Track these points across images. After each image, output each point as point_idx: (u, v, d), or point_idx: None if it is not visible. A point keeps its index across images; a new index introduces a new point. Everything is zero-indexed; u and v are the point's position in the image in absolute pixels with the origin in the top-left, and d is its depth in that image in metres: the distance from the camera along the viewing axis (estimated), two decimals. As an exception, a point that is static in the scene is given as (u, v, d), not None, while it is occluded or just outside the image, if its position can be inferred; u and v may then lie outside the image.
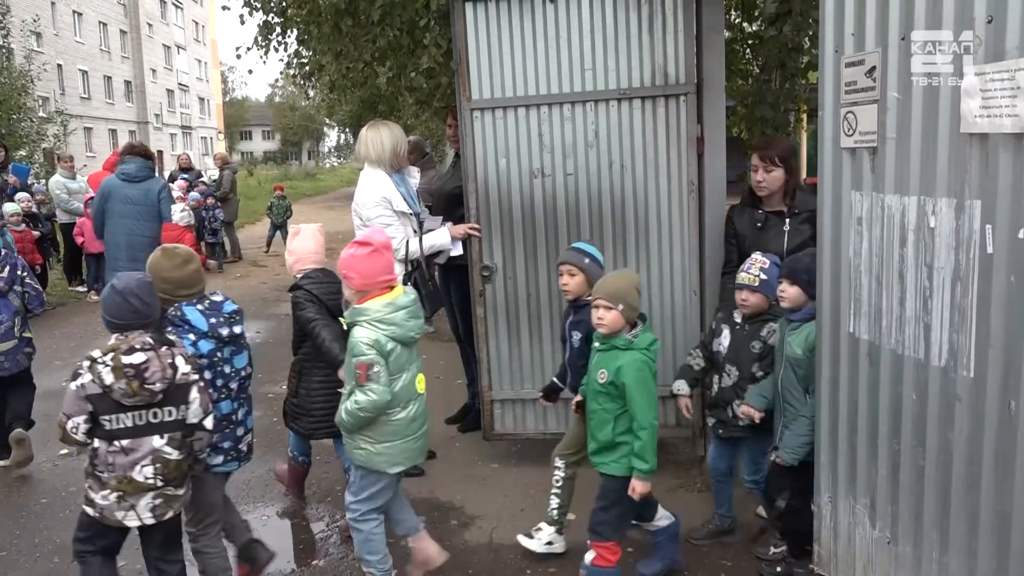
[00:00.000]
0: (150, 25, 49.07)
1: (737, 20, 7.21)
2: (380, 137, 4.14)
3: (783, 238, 3.60)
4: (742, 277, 3.33)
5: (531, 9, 4.02)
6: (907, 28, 2.46)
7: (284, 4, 7.72)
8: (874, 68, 2.60)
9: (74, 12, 39.69)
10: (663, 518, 3.28)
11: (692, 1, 3.92)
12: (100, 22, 42.97)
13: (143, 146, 6.89)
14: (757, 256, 3.36)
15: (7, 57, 19.61)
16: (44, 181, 13.23)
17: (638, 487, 2.97)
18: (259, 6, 7.93)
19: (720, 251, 4.00)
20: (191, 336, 2.94)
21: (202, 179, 14.38)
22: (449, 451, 4.76)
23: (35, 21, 24.44)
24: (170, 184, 10.83)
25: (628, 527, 3.19)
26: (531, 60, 4.07)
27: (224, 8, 9.09)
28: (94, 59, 41.62)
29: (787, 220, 3.62)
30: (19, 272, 4.78)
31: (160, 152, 47.80)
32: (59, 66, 36.58)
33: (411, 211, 4.19)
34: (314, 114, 59.46)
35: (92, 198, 10.00)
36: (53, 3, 37.03)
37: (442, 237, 4.25)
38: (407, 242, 4.16)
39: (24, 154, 17.84)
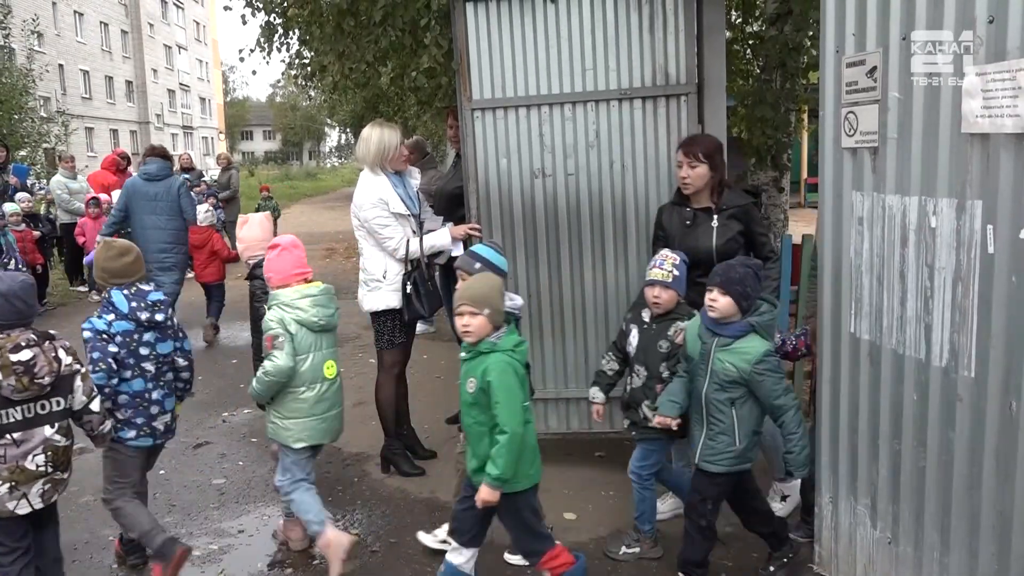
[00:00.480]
0: (151, 25, 49.09)
1: (738, 20, 7.22)
2: (369, 136, 4.16)
3: (712, 235, 3.58)
4: (655, 273, 3.28)
5: (532, 9, 4.02)
6: (908, 28, 2.46)
7: (286, 4, 7.73)
8: (875, 68, 2.60)
9: (75, 12, 39.71)
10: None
11: (693, 1, 3.92)
12: (101, 22, 43.00)
13: (163, 148, 7.59)
14: (667, 252, 3.34)
15: (8, 57, 19.62)
16: (45, 181, 13.24)
17: (483, 494, 2.73)
18: (261, 6, 7.94)
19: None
20: (111, 316, 3.25)
21: (204, 179, 14.39)
22: (450, 451, 4.74)
23: (34, 20, 24.41)
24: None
25: (544, 527, 3.01)
26: (532, 60, 4.07)
27: (226, 8, 9.10)
28: (95, 59, 41.63)
29: (715, 216, 3.60)
30: (20, 267, 4.88)
31: (161, 152, 47.79)
32: (60, 66, 36.61)
33: (409, 212, 4.19)
34: (315, 114, 59.48)
35: (93, 198, 10.07)
36: (54, 3, 37.05)
37: (443, 238, 4.25)
38: (407, 242, 4.16)
39: (25, 154, 17.85)
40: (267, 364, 3.33)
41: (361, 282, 4.32)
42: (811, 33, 5.58)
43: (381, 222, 4.10)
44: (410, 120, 14.34)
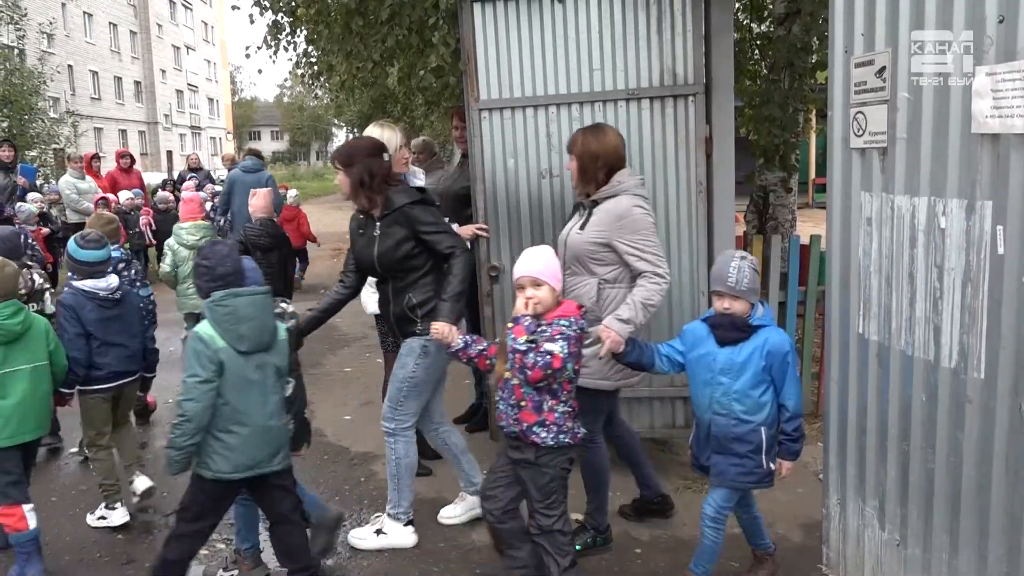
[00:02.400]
0: (160, 26, 49.24)
1: (746, 20, 7.20)
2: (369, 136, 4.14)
3: (374, 243, 3.46)
4: None
5: (539, 9, 4.02)
6: (917, 28, 2.45)
7: (293, 4, 7.74)
8: (884, 68, 2.59)
9: (84, 13, 39.85)
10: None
11: (701, 1, 3.91)
12: (110, 23, 43.14)
13: (257, 149, 10.03)
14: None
15: (20, 59, 19.72)
16: (54, 182, 13.29)
17: None
18: (268, 5, 7.96)
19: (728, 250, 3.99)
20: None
21: (211, 179, 14.42)
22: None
23: (51, 24, 24.53)
24: (186, 182, 11.75)
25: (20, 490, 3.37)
26: (539, 60, 4.07)
27: (234, 8, 9.14)
28: (104, 60, 41.78)
29: (377, 224, 3.46)
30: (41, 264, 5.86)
31: (169, 152, 48.02)
32: (69, 67, 36.74)
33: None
34: (322, 114, 59.56)
35: (102, 198, 10.11)
36: (64, 4, 37.19)
37: (450, 237, 4.24)
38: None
39: (35, 155, 17.92)
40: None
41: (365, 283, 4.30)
42: (820, 33, 5.56)
43: (387, 222, 4.09)
44: (417, 120, 14.34)
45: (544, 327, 2.81)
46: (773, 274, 4.85)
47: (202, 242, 5.83)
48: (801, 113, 6.41)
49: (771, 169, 6.42)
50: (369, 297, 4.29)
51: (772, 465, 2.97)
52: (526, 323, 2.82)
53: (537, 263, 2.89)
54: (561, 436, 2.86)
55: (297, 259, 10.24)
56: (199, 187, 12.90)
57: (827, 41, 2.89)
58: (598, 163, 3.30)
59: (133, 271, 5.00)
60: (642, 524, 3.75)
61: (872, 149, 2.70)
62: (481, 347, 3.18)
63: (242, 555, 3.38)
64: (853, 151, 2.80)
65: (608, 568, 3.41)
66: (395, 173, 3.54)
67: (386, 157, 3.50)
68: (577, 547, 3.45)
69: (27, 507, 3.33)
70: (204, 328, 2.91)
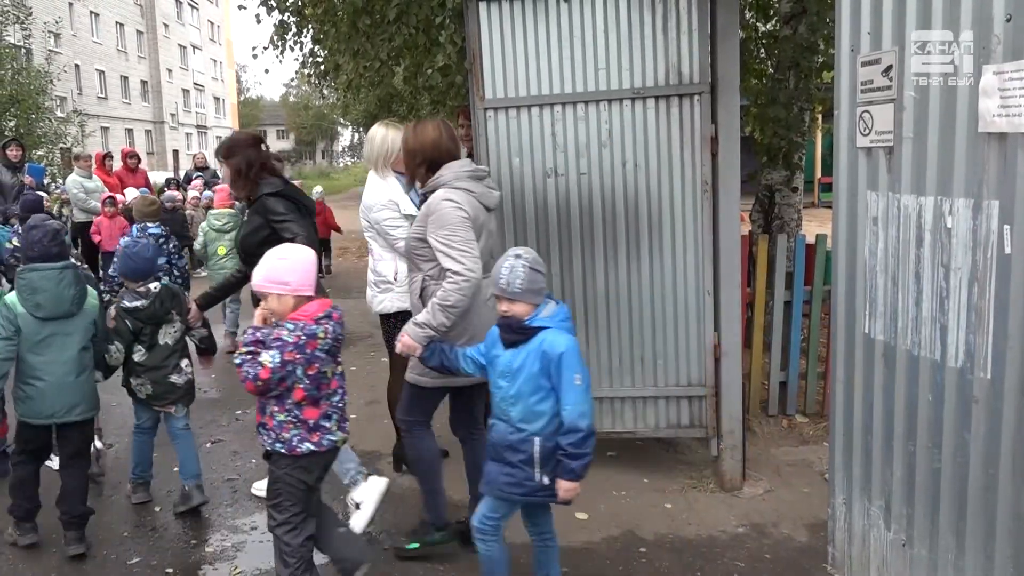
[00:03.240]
0: (166, 25, 49.38)
1: (752, 20, 7.19)
2: (374, 136, 4.16)
3: (242, 230, 3.79)
4: None
5: (545, 8, 4.02)
6: (924, 27, 2.44)
7: (300, 3, 7.76)
8: (890, 67, 2.58)
9: (91, 12, 40.00)
10: None
11: (707, 0, 3.91)
12: (117, 22, 43.29)
13: (278, 154, 10.71)
14: None
15: (26, 57, 19.82)
16: (61, 181, 13.35)
17: None
18: (275, 5, 7.98)
19: (734, 251, 3.99)
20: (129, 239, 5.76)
21: (217, 177, 14.46)
22: (461, 451, 4.75)
23: (57, 23, 24.65)
24: (193, 181, 11.86)
25: None
26: (545, 59, 4.06)
27: (240, 8, 9.15)
28: (111, 59, 41.92)
29: (247, 212, 3.70)
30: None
31: (176, 152, 48.16)
32: (76, 66, 36.90)
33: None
34: (327, 113, 59.64)
35: (109, 197, 10.15)
36: (71, 4, 37.33)
37: (455, 236, 4.25)
38: (420, 242, 4.16)
39: (42, 154, 18.00)
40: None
41: (370, 283, 4.30)
42: (826, 33, 5.55)
43: (392, 223, 4.10)
44: (425, 119, 14.37)
45: (271, 331, 2.78)
46: (779, 273, 4.85)
47: (226, 227, 6.98)
48: (807, 112, 6.40)
49: (774, 168, 6.41)
50: (374, 296, 4.30)
51: (548, 479, 2.74)
52: (243, 336, 2.82)
53: (255, 274, 2.84)
54: (277, 445, 2.83)
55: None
56: (207, 185, 12.94)
57: (833, 41, 2.88)
58: (416, 159, 3.37)
59: (172, 244, 6.32)
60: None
61: (878, 148, 2.69)
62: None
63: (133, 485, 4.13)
64: (859, 150, 2.79)
65: (612, 568, 3.41)
66: (273, 165, 3.79)
67: (263, 148, 3.77)
68: (413, 545, 3.52)
69: None
70: (11, 295, 3.51)
